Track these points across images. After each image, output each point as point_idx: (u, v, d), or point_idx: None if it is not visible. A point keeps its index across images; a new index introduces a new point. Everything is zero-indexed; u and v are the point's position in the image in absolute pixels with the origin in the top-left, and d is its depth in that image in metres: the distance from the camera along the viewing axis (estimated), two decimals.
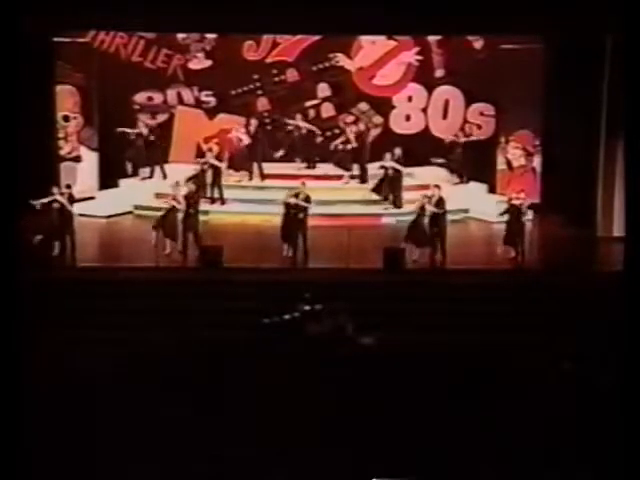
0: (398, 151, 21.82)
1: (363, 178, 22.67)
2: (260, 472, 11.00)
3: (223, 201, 22.02)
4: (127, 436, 11.49)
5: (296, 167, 23.05)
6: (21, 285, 14.43)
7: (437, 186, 19.23)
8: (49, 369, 13.89)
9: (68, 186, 19.39)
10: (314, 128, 23.05)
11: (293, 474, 11.00)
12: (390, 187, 21.80)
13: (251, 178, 22.84)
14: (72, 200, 18.90)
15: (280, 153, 23.22)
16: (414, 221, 18.81)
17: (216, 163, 21.94)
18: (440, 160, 23.46)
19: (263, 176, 22.83)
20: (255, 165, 22.84)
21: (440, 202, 18.86)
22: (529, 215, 19.82)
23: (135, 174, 23.25)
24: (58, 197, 18.63)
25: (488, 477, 11.11)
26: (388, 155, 21.67)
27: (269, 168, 22.91)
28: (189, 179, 20.46)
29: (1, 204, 13.91)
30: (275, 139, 23.48)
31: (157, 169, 23.28)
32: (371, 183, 22.23)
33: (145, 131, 23.00)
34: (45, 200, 18.53)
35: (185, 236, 18.90)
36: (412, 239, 18.70)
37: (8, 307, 12.68)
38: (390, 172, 21.64)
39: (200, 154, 22.70)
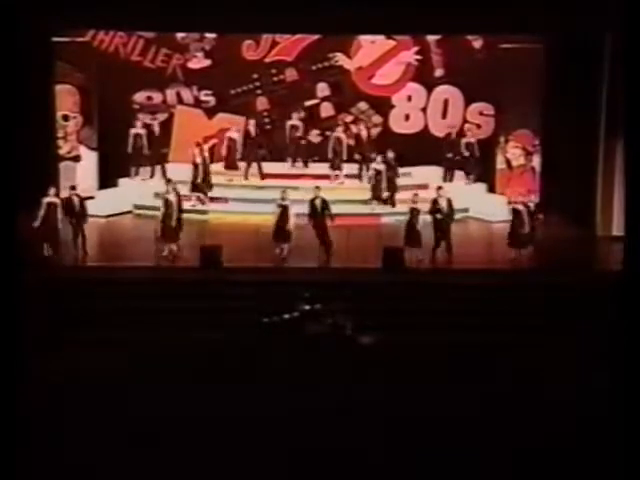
0: (391, 154, 21.96)
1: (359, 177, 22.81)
2: (260, 471, 11.02)
3: (203, 200, 22.02)
4: (127, 436, 11.51)
5: (294, 167, 23.19)
6: (21, 285, 14.42)
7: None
8: (49, 369, 13.91)
9: (73, 187, 19.65)
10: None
11: (292, 473, 11.02)
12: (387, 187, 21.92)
13: (246, 177, 22.86)
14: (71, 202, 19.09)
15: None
16: (408, 224, 18.92)
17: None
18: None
19: (262, 176, 22.89)
20: (254, 165, 22.89)
21: (435, 203, 19.04)
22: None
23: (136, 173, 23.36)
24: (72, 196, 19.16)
25: (487, 477, 11.11)
26: (379, 157, 21.88)
27: (270, 168, 22.99)
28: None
29: (1, 204, 13.90)
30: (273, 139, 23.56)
31: (157, 169, 23.38)
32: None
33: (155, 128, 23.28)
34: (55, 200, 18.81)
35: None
36: (409, 242, 18.80)
37: (8, 307, 12.68)
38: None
39: (201, 153, 22.70)
